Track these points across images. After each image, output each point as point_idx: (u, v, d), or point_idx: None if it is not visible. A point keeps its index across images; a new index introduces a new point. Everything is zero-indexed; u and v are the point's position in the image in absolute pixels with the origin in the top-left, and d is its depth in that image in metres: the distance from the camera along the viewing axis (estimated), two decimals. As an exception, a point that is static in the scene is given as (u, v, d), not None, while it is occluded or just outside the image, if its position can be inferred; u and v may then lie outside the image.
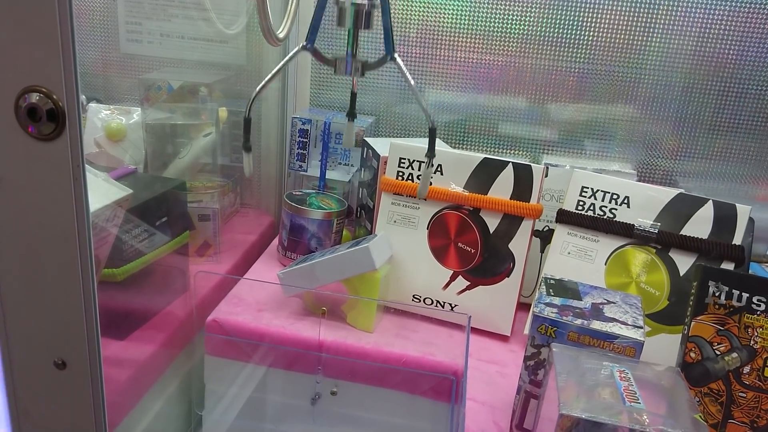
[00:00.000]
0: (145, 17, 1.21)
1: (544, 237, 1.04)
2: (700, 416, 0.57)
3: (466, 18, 1.19)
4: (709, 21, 1.12)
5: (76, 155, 0.44)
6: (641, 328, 0.68)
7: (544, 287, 0.76)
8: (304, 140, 1.20)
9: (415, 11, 1.20)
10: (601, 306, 0.72)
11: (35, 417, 0.53)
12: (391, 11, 1.20)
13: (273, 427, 0.98)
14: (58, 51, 0.42)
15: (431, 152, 0.81)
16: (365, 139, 1.13)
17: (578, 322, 0.68)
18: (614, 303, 0.73)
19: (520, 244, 0.95)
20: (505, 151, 1.26)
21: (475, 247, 0.96)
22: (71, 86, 0.43)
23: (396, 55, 0.81)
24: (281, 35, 0.98)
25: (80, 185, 0.45)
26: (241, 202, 1.28)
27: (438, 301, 0.99)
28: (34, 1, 0.42)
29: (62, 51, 0.42)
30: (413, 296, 1.00)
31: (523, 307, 0.99)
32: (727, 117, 1.16)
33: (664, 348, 0.85)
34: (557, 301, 0.72)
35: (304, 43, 0.84)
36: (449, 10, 1.19)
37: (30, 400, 0.52)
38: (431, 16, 1.20)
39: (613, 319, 0.69)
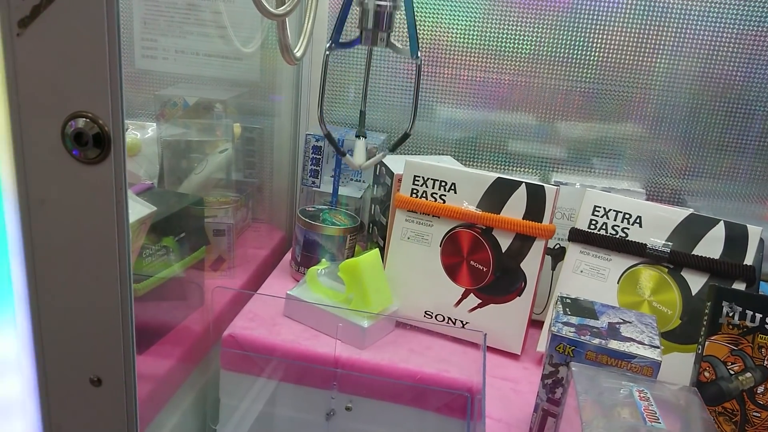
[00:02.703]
0: (161, 34, 1.22)
1: (556, 255, 1.06)
2: (719, 436, 0.58)
3: (476, 37, 1.21)
4: (717, 43, 1.14)
5: (119, 179, 0.46)
6: (658, 348, 0.70)
7: (561, 306, 0.77)
8: (318, 157, 1.21)
9: (426, 30, 1.22)
10: (617, 325, 0.73)
11: (68, 433, 0.54)
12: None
13: (287, 441, 0.98)
14: (106, 78, 0.44)
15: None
16: (378, 156, 1.15)
17: (596, 341, 0.70)
18: (630, 322, 0.74)
19: (532, 264, 0.96)
20: (514, 168, 1.28)
21: (487, 265, 0.97)
22: (117, 112, 0.44)
23: (419, 59, 0.82)
24: (298, 54, 0.99)
25: (122, 208, 0.46)
26: (253, 217, 1.29)
27: (449, 318, 1.00)
28: (83, 29, 0.43)
29: (110, 78, 0.44)
30: (425, 312, 1.01)
31: (534, 324, 1.00)
32: (734, 137, 1.18)
33: (677, 366, 0.86)
34: (574, 320, 0.74)
35: (329, 44, 0.89)
36: (459, 29, 1.21)
37: (64, 416, 0.53)
38: (441, 35, 1.22)
39: (630, 339, 0.70)
